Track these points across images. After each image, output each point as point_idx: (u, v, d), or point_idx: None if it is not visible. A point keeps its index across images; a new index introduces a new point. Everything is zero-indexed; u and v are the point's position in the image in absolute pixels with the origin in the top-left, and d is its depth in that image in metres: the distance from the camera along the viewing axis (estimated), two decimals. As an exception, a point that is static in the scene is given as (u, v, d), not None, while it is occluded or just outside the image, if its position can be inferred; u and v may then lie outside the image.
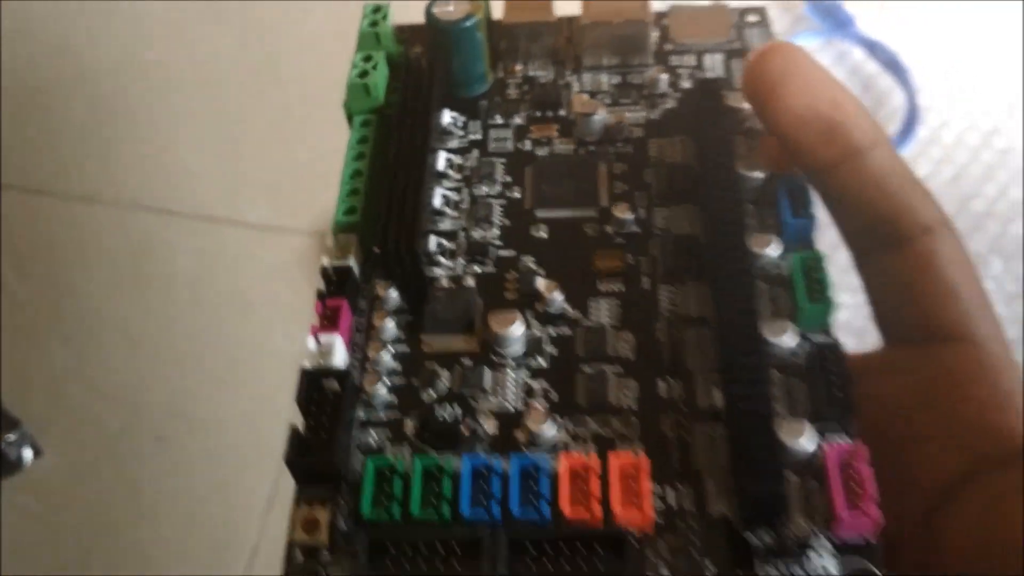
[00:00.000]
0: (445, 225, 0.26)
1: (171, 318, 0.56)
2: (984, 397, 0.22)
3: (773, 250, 0.23)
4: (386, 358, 0.23)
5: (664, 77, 0.28)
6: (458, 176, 0.27)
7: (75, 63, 0.66)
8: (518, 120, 0.28)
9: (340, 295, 0.24)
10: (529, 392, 0.23)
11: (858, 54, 0.63)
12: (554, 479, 0.20)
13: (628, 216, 0.25)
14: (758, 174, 0.25)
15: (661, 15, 0.30)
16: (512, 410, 0.22)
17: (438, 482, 0.20)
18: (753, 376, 0.21)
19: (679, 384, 0.22)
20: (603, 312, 0.24)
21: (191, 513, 0.50)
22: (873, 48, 0.63)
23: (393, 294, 0.24)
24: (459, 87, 0.28)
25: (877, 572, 0.19)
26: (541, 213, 0.26)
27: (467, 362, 0.23)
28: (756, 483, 0.19)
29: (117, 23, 0.68)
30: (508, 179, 0.27)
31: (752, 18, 0.30)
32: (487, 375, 0.23)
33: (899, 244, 0.23)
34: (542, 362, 0.23)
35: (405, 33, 0.29)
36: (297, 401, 0.22)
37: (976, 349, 0.23)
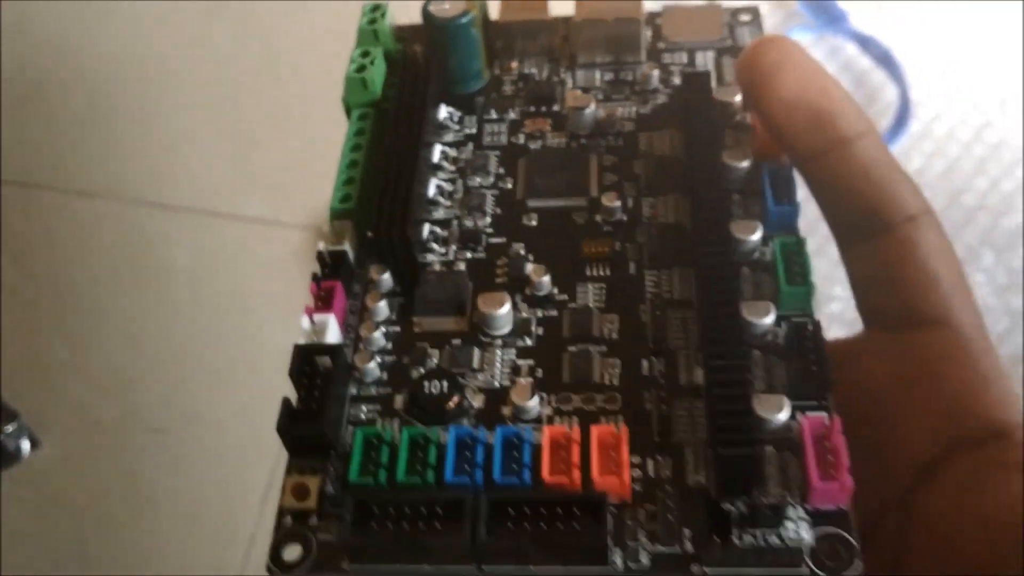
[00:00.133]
0: (439, 214, 0.27)
1: (168, 312, 0.57)
2: (961, 379, 0.22)
3: (756, 236, 0.24)
4: (378, 337, 0.24)
5: (655, 73, 0.29)
6: (452, 168, 0.28)
7: (74, 59, 0.68)
8: (512, 115, 0.29)
9: (335, 278, 0.24)
10: (516, 370, 0.23)
11: (851, 49, 0.64)
12: (537, 449, 0.21)
13: (616, 204, 0.26)
14: (743, 164, 0.26)
15: (655, 14, 0.31)
16: (499, 386, 0.23)
17: (424, 450, 0.21)
18: (731, 350, 0.21)
19: (661, 363, 0.23)
20: (590, 295, 0.25)
21: (188, 504, 0.51)
22: (866, 43, 0.64)
23: (386, 277, 0.25)
24: (456, 84, 0.29)
25: (850, 538, 0.20)
26: (532, 203, 0.27)
27: (456, 342, 0.24)
28: (732, 450, 0.20)
29: (116, 19, 0.69)
30: (501, 171, 0.28)
31: (744, 17, 0.31)
32: (475, 354, 0.24)
33: (882, 231, 0.24)
34: (529, 342, 0.24)
35: (404, 32, 0.30)
36: (289, 374, 0.22)
37: (954, 334, 0.23)
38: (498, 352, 0.24)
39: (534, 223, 0.26)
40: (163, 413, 0.53)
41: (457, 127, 0.29)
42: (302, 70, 0.64)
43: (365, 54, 0.28)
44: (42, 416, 0.51)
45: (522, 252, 0.26)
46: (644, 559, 0.20)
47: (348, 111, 0.28)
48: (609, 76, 0.30)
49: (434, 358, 0.24)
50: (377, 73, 0.28)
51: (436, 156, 0.28)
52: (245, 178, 0.61)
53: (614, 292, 0.25)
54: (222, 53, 0.66)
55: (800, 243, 0.24)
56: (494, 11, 0.30)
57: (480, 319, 0.24)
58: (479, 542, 0.19)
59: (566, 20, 0.30)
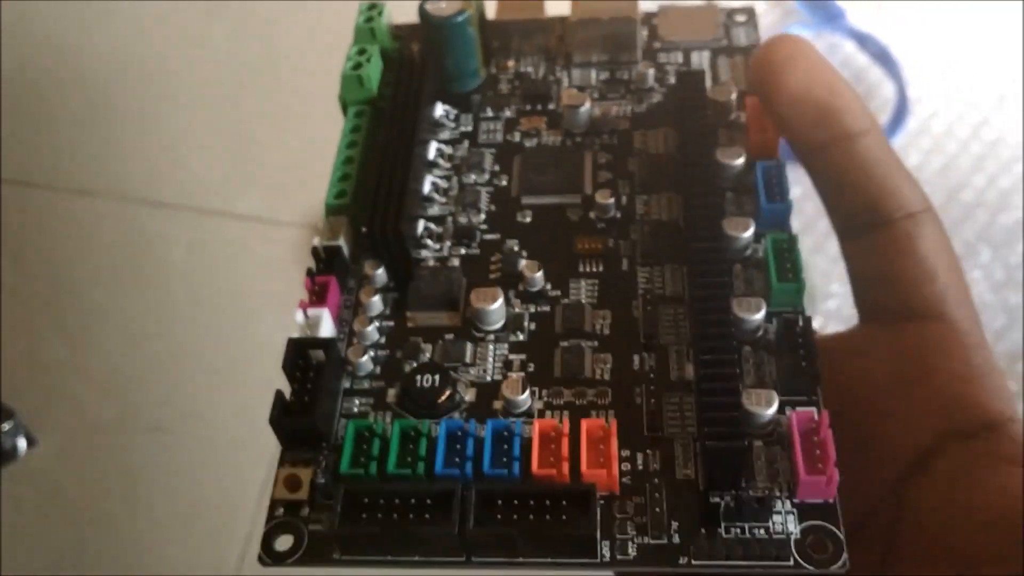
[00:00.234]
0: (433, 211, 0.27)
1: (167, 310, 0.57)
2: (953, 371, 0.22)
3: (748, 233, 0.24)
4: (371, 332, 0.24)
5: (651, 72, 0.29)
6: (448, 165, 0.28)
7: (72, 58, 0.68)
8: (508, 113, 0.29)
9: (329, 273, 0.25)
10: (508, 365, 0.24)
11: (849, 47, 0.64)
12: (527, 442, 0.21)
13: (610, 201, 0.26)
14: (737, 162, 0.26)
15: (651, 14, 0.31)
16: (490, 380, 0.23)
17: (415, 442, 0.21)
18: (721, 345, 0.21)
19: (652, 358, 0.23)
20: (583, 291, 0.25)
21: (186, 503, 0.51)
22: (863, 41, 0.64)
23: (380, 273, 0.25)
24: (452, 82, 0.29)
25: (837, 531, 0.20)
26: (527, 200, 0.27)
27: (449, 337, 0.24)
28: (720, 443, 0.20)
29: (114, 19, 0.69)
30: (496, 168, 0.28)
31: (740, 17, 0.31)
32: (468, 349, 0.24)
33: (881, 226, 0.24)
34: (521, 337, 0.24)
35: (401, 32, 0.31)
36: (283, 367, 0.22)
37: (948, 328, 0.23)
38: (491, 347, 0.24)
39: (528, 220, 0.26)
40: (161, 412, 0.53)
41: (453, 125, 0.29)
42: (300, 69, 0.64)
43: (361, 52, 0.28)
44: (39, 414, 0.51)
45: (516, 248, 0.26)
46: (632, 551, 0.20)
47: (344, 108, 0.28)
48: (605, 75, 0.30)
49: (427, 352, 0.24)
50: (373, 71, 0.28)
51: (432, 153, 0.28)
52: (243, 176, 0.61)
53: (607, 288, 0.25)
54: (220, 52, 0.67)
55: (792, 240, 0.24)
56: (491, 11, 0.31)
57: (473, 314, 0.24)
58: (468, 533, 0.20)
59: (562, 20, 0.31)
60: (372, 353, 0.24)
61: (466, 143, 0.28)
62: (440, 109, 0.29)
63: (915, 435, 0.22)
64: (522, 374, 0.23)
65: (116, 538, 0.50)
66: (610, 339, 0.24)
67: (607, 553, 0.20)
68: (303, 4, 0.67)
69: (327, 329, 0.24)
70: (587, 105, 0.28)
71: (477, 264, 0.26)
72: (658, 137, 0.28)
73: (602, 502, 0.21)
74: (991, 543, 0.19)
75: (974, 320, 0.24)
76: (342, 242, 0.25)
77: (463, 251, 0.26)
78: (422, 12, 0.28)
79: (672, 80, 0.29)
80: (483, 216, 0.27)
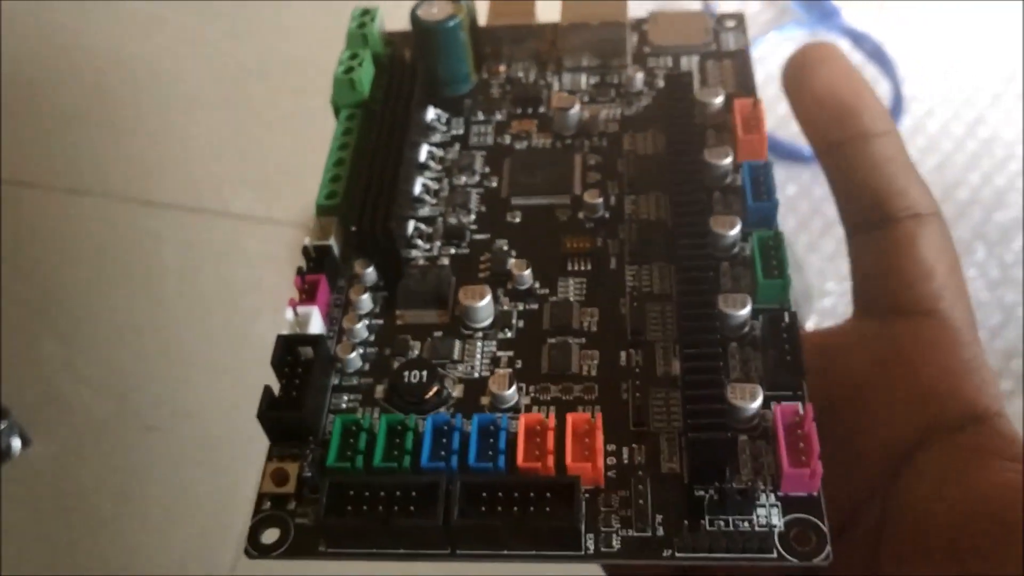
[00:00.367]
0: (424, 211, 0.27)
1: (159, 309, 0.57)
2: (941, 365, 0.23)
3: (735, 231, 0.24)
4: (361, 329, 0.24)
5: (640, 76, 0.29)
6: (439, 168, 0.28)
7: (64, 57, 0.68)
8: (499, 116, 0.29)
9: (319, 272, 0.25)
10: (495, 361, 0.24)
11: (844, 45, 0.64)
12: (512, 436, 0.21)
13: (599, 201, 0.26)
14: (724, 162, 0.26)
15: (641, 20, 0.31)
16: (478, 376, 0.23)
17: (401, 437, 0.21)
18: (706, 339, 0.22)
19: (639, 354, 0.23)
20: (571, 289, 0.25)
21: (180, 501, 0.51)
22: (858, 39, 0.64)
23: (370, 272, 0.25)
24: (444, 86, 0.30)
25: (820, 524, 0.20)
26: (516, 200, 0.27)
27: (438, 334, 0.24)
28: (704, 434, 0.20)
29: (107, 19, 0.70)
30: (487, 170, 0.28)
31: (730, 23, 0.31)
32: (456, 346, 0.24)
33: (886, 223, 0.24)
34: (509, 334, 0.24)
35: (393, 38, 0.31)
36: (272, 363, 0.23)
37: (939, 324, 0.23)
38: (479, 344, 0.24)
39: (518, 220, 0.27)
40: (155, 411, 0.53)
41: (444, 128, 0.29)
42: (294, 68, 0.64)
43: (354, 56, 0.28)
44: (34, 414, 0.51)
45: (505, 248, 0.26)
46: (616, 543, 0.20)
47: (336, 111, 0.28)
48: (595, 79, 0.30)
49: (415, 349, 0.24)
50: (365, 75, 0.28)
51: (423, 156, 0.28)
52: (236, 175, 0.61)
53: (595, 286, 0.25)
54: (215, 52, 0.67)
55: (778, 237, 0.24)
56: (483, 17, 0.31)
57: (462, 311, 0.24)
58: (452, 525, 0.20)
59: (553, 26, 0.31)
60: (361, 350, 0.24)
61: (457, 146, 0.29)
62: (431, 113, 0.29)
63: (902, 428, 0.22)
64: (509, 370, 0.23)
65: (110, 537, 0.50)
66: (597, 336, 0.24)
67: (591, 546, 0.20)
68: (298, 4, 0.67)
69: (316, 326, 0.24)
70: (577, 108, 0.28)
71: (467, 263, 0.26)
72: (647, 139, 0.28)
73: (587, 495, 0.21)
74: (976, 536, 0.20)
75: (968, 320, 0.24)
76: (332, 242, 0.25)
77: (453, 251, 0.26)
78: (414, 17, 0.28)
79: (661, 83, 0.30)
80: (473, 216, 0.27)
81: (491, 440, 0.21)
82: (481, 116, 0.29)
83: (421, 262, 0.26)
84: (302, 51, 0.63)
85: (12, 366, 0.54)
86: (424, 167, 0.28)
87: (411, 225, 0.26)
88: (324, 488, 0.20)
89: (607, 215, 0.26)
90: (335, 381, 0.24)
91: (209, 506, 0.50)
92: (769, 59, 0.63)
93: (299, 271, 0.25)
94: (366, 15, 0.29)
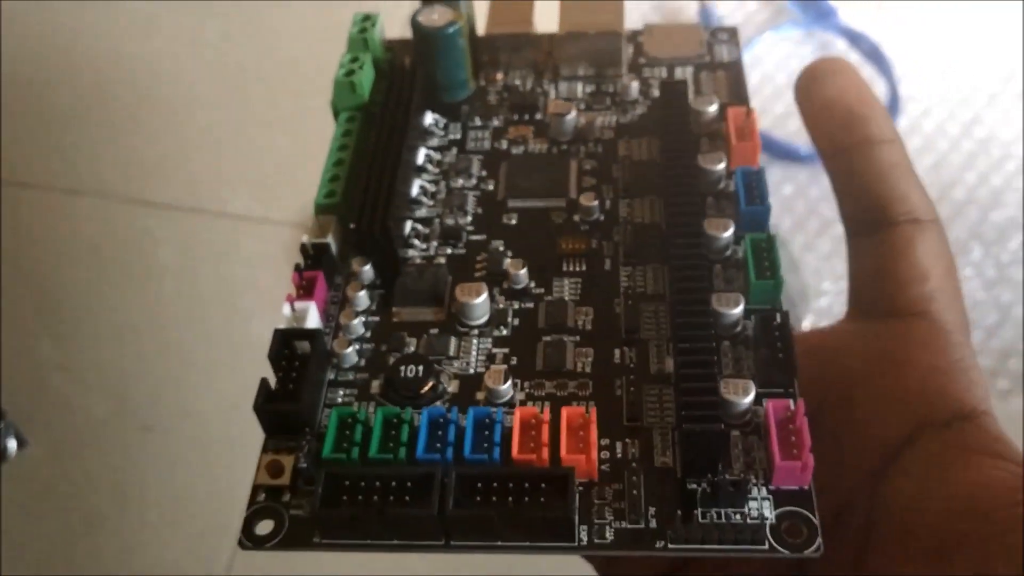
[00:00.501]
0: (421, 212, 0.27)
1: (156, 308, 0.57)
2: (930, 364, 0.23)
3: (728, 233, 0.25)
4: (357, 325, 0.25)
5: (635, 85, 0.30)
6: (436, 170, 0.28)
7: (60, 57, 0.68)
8: (496, 122, 0.30)
9: (316, 269, 0.25)
10: (491, 358, 0.24)
11: (840, 45, 0.65)
12: (508, 430, 0.21)
13: (594, 204, 0.27)
14: (718, 167, 0.26)
15: (637, 32, 0.32)
16: (473, 373, 0.24)
17: (397, 429, 0.21)
18: (700, 334, 0.22)
19: (633, 352, 0.24)
20: (566, 289, 0.25)
21: (176, 501, 0.51)
22: (855, 39, 0.65)
23: (367, 270, 0.26)
24: (442, 92, 0.30)
25: (811, 516, 0.20)
26: (513, 203, 0.27)
27: (434, 331, 0.25)
28: (697, 425, 0.20)
29: (102, 18, 0.70)
30: (484, 173, 0.28)
31: (723, 35, 0.32)
32: (452, 342, 0.24)
33: (885, 226, 0.25)
34: (505, 332, 0.24)
35: (393, 45, 0.31)
36: (269, 357, 0.23)
37: (931, 325, 0.24)
38: (474, 341, 0.24)
39: (514, 222, 0.27)
40: (151, 411, 0.53)
41: (442, 133, 0.30)
42: (291, 69, 0.64)
43: (354, 59, 0.29)
44: (30, 414, 0.51)
45: (501, 248, 0.26)
46: (609, 535, 0.20)
47: (336, 114, 0.29)
48: (591, 88, 0.30)
49: (411, 346, 0.24)
50: (365, 78, 0.28)
51: (420, 159, 0.28)
52: (234, 176, 0.61)
53: (589, 286, 0.25)
54: (212, 53, 0.67)
55: (771, 240, 0.24)
56: (481, 26, 0.31)
57: (458, 309, 0.25)
58: (447, 515, 0.20)
59: (550, 36, 0.31)
60: (357, 346, 0.24)
61: (454, 150, 0.29)
62: (430, 117, 0.30)
63: (891, 426, 0.23)
64: (505, 366, 0.23)
65: (106, 538, 0.50)
66: (592, 334, 0.24)
67: (585, 537, 0.20)
68: (295, 5, 0.67)
69: (313, 321, 0.24)
70: (573, 114, 0.29)
71: (463, 263, 0.26)
72: (641, 145, 0.29)
73: (581, 488, 0.21)
74: (962, 532, 0.20)
75: (961, 324, 0.24)
76: (330, 240, 0.26)
77: (449, 250, 0.26)
78: (414, 23, 0.29)
79: (656, 93, 0.30)
80: (469, 218, 0.27)
81: (486, 433, 0.21)
82: (479, 121, 0.30)
83: (418, 261, 0.26)
84: (300, 52, 0.64)
85: (9, 366, 0.53)
86: (422, 170, 0.28)
87: (408, 225, 0.27)
88: (320, 478, 0.20)
89: (602, 218, 0.27)
90: (331, 376, 0.24)
91: (206, 506, 0.50)
92: (766, 59, 0.64)
93: (297, 268, 0.25)
94: (367, 20, 0.30)
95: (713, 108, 0.28)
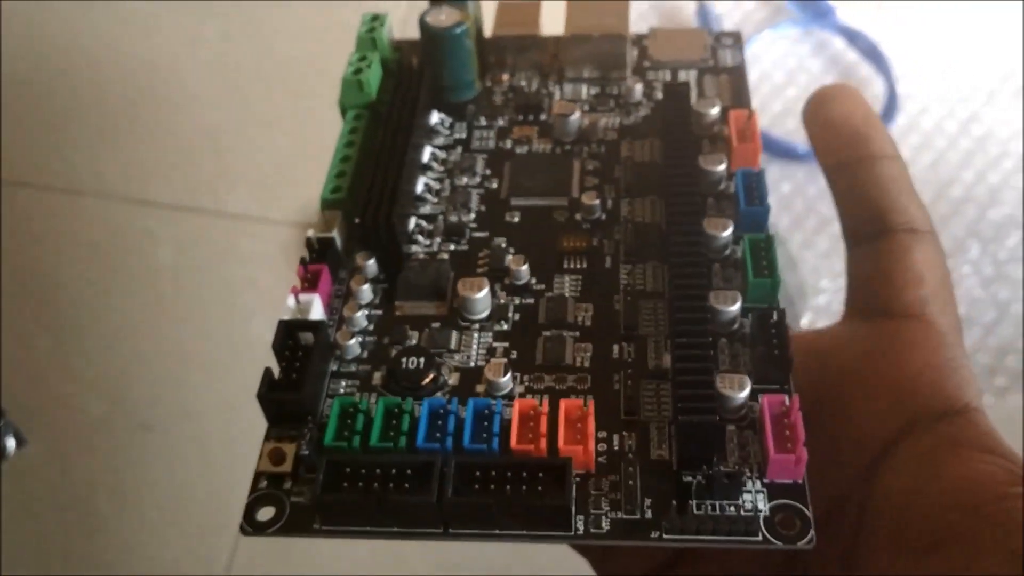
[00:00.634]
0: (425, 209, 0.28)
1: (155, 308, 0.57)
2: (924, 361, 0.23)
3: (727, 232, 0.25)
4: (360, 318, 0.25)
5: (639, 87, 0.30)
6: (441, 169, 0.29)
7: (57, 56, 0.68)
8: (501, 122, 0.30)
9: (321, 262, 0.25)
10: (491, 352, 0.24)
11: (838, 43, 0.65)
12: (507, 421, 0.22)
13: (595, 203, 0.27)
14: (719, 168, 0.27)
15: (641, 36, 0.32)
16: (474, 366, 0.24)
17: (398, 419, 0.22)
18: (696, 329, 0.22)
19: (632, 348, 0.24)
20: (566, 286, 0.26)
21: (175, 501, 0.51)
22: (853, 37, 0.65)
23: (371, 264, 0.26)
24: (448, 91, 0.30)
25: (804, 509, 0.20)
26: (516, 201, 0.28)
27: (436, 325, 0.25)
28: (693, 417, 0.21)
29: (99, 16, 0.70)
30: (487, 172, 0.29)
31: (727, 40, 0.32)
32: (453, 336, 0.25)
33: (884, 234, 0.26)
34: (505, 326, 0.25)
35: (401, 46, 0.32)
36: (273, 347, 0.23)
37: (925, 326, 0.24)
38: (475, 335, 0.25)
39: (516, 220, 0.27)
40: (150, 410, 0.53)
41: (448, 132, 0.30)
42: (290, 69, 0.64)
43: (363, 58, 0.29)
44: (28, 414, 0.51)
45: (504, 245, 0.27)
46: (605, 525, 0.21)
47: (343, 112, 0.29)
48: (595, 90, 0.31)
49: (413, 339, 0.25)
50: (373, 77, 0.29)
51: (426, 157, 0.29)
52: (233, 175, 0.61)
53: (590, 283, 0.26)
54: (210, 52, 0.67)
55: (769, 240, 0.25)
56: (488, 28, 0.32)
57: (459, 303, 0.25)
58: (446, 502, 0.20)
59: (556, 39, 0.32)
60: (360, 338, 0.25)
61: (459, 149, 0.30)
62: (436, 116, 0.30)
63: (883, 421, 0.23)
64: (505, 359, 0.24)
65: (105, 537, 0.50)
66: (591, 330, 0.24)
67: (581, 527, 0.21)
68: (296, 5, 0.68)
69: (317, 313, 0.25)
70: (577, 115, 0.29)
71: (466, 259, 0.26)
72: (644, 147, 0.29)
73: (578, 479, 0.21)
74: (953, 524, 0.20)
75: (954, 327, 0.25)
76: (335, 234, 0.26)
77: (452, 247, 0.27)
78: (422, 23, 0.29)
79: (659, 96, 0.30)
80: (473, 215, 0.28)
81: (485, 423, 0.22)
82: (484, 121, 0.30)
83: (421, 256, 0.27)
84: (299, 52, 0.64)
85: (7, 365, 0.54)
86: (427, 167, 0.29)
87: (412, 221, 0.27)
88: (322, 465, 0.21)
89: (603, 217, 0.27)
90: (334, 367, 0.24)
91: (206, 506, 0.50)
92: (763, 57, 0.64)
93: (302, 261, 0.25)
94: (376, 20, 0.30)
95: (715, 111, 0.29)
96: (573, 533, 0.20)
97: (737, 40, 0.32)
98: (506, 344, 0.24)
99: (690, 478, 0.21)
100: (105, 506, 0.51)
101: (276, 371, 0.23)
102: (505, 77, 0.32)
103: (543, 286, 0.26)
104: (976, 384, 0.23)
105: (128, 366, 0.55)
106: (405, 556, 0.49)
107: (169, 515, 0.51)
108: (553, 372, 0.24)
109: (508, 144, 0.30)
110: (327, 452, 0.21)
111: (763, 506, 0.20)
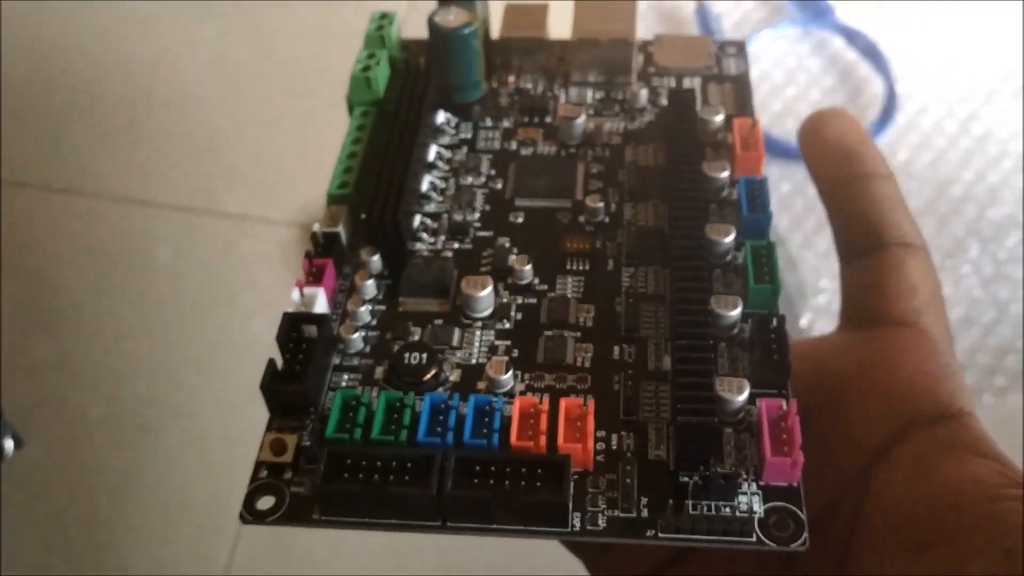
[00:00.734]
0: (430, 208, 0.28)
1: (153, 308, 0.57)
2: (918, 367, 0.24)
3: (730, 238, 0.25)
4: (364, 312, 0.25)
5: (644, 93, 0.31)
6: (446, 168, 0.29)
7: (57, 56, 0.68)
8: (506, 123, 0.30)
9: (326, 256, 0.26)
10: (493, 349, 0.24)
11: (838, 43, 0.65)
12: (507, 418, 0.22)
13: (599, 205, 0.27)
14: (722, 175, 0.27)
15: (647, 42, 0.33)
16: (475, 363, 0.24)
17: (399, 413, 0.22)
18: (697, 331, 0.22)
19: (632, 349, 0.24)
20: (568, 286, 0.26)
21: (174, 501, 0.51)
22: (852, 37, 0.65)
23: (376, 260, 0.26)
24: (455, 92, 0.31)
25: (799, 512, 0.21)
26: (520, 202, 0.28)
27: (438, 322, 0.25)
28: (691, 417, 0.21)
29: (99, 16, 0.70)
30: (492, 172, 0.29)
31: (731, 49, 0.33)
32: (456, 333, 0.25)
33: (878, 248, 0.26)
34: (507, 325, 0.25)
35: (409, 45, 0.32)
36: (277, 339, 0.23)
37: (919, 333, 0.25)
38: (477, 333, 0.25)
39: (520, 220, 0.28)
40: (149, 411, 0.53)
41: (453, 131, 0.30)
42: (289, 68, 0.64)
43: (371, 56, 0.29)
44: (27, 414, 0.51)
45: (507, 245, 0.27)
46: (601, 522, 0.21)
47: (351, 109, 0.29)
48: (600, 94, 0.31)
49: (416, 335, 0.25)
50: (381, 74, 0.29)
51: (431, 155, 0.29)
52: (232, 175, 0.61)
53: (592, 285, 0.26)
54: (209, 52, 0.67)
55: (770, 247, 0.25)
56: (495, 31, 0.32)
57: (462, 301, 0.25)
58: (445, 496, 0.20)
59: (563, 42, 0.32)
60: (363, 333, 0.25)
61: (465, 149, 0.30)
62: (442, 116, 0.30)
63: (878, 425, 0.23)
64: (506, 357, 0.24)
65: (104, 538, 0.50)
66: (592, 331, 0.25)
67: (578, 524, 0.21)
68: (296, 5, 0.68)
69: (321, 307, 0.25)
70: (582, 118, 0.30)
71: (469, 258, 0.27)
72: (648, 152, 0.29)
73: (576, 477, 0.21)
74: (946, 525, 0.20)
75: (947, 337, 0.25)
76: (341, 229, 0.26)
77: (456, 245, 0.27)
78: (431, 23, 0.29)
79: (664, 101, 0.31)
80: (477, 215, 0.28)
81: (486, 419, 0.22)
82: (489, 122, 0.31)
83: (425, 254, 0.27)
84: (299, 52, 0.64)
85: (5, 366, 0.54)
86: (432, 166, 0.29)
87: (417, 219, 0.27)
88: (323, 456, 0.21)
89: (607, 220, 0.27)
90: (336, 361, 0.24)
91: (203, 506, 0.50)
92: (763, 57, 0.64)
93: (307, 255, 0.26)
94: (384, 18, 0.31)
95: (719, 118, 0.29)
96: (570, 529, 0.21)
97: (741, 49, 0.33)
98: (508, 342, 0.25)
99: (687, 478, 0.21)
100: (105, 506, 0.51)
101: (279, 363, 0.23)
102: (511, 79, 0.32)
103: (546, 286, 0.26)
104: (968, 391, 0.24)
105: (127, 366, 0.55)
106: (405, 556, 0.49)
107: (169, 515, 0.51)
108: (554, 371, 0.24)
109: (513, 145, 0.30)
110: (328, 444, 0.22)
111: (758, 508, 0.21)
